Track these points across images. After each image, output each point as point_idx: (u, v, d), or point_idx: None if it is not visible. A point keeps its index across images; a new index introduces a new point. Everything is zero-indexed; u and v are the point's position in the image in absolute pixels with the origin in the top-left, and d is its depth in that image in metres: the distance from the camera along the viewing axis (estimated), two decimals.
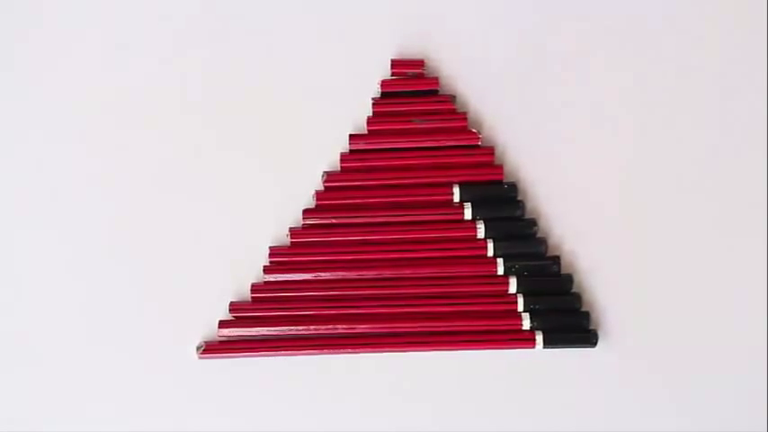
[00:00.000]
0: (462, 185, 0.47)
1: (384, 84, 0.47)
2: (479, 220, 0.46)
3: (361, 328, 0.46)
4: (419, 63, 0.47)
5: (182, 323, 0.47)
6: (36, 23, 0.49)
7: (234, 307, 0.47)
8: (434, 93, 0.47)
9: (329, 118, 0.48)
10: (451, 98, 0.47)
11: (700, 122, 0.47)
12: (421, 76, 0.47)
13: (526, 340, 0.45)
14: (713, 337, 0.46)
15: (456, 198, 0.47)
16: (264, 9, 0.49)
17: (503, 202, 0.47)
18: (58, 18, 0.49)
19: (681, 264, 0.47)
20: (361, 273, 0.46)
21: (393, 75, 0.47)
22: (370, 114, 0.47)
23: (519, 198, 0.47)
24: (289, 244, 0.47)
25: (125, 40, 0.49)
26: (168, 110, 0.48)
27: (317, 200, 0.47)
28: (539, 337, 0.45)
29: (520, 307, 0.46)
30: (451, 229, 0.46)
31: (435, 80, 0.47)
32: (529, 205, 0.47)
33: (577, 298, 0.46)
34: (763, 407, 0.46)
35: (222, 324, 0.46)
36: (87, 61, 0.49)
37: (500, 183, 0.47)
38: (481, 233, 0.46)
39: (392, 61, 0.47)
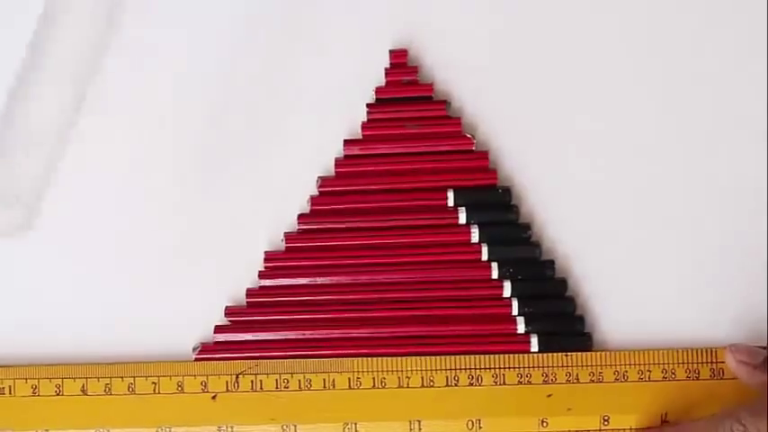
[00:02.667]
0: (457, 190, 0.47)
1: (378, 91, 0.48)
2: (474, 224, 0.47)
3: (357, 332, 0.46)
4: (413, 70, 0.47)
5: (178, 327, 0.47)
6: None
7: (229, 311, 0.47)
8: (429, 99, 0.47)
9: (324, 123, 0.48)
10: (446, 104, 0.47)
11: (699, 129, 0.47)
12: (415, 83, 0.47)
13: (520, 343, 0.45)
14: (711, 340, 0.46)
15: (450, 202, 0.47)
16: (264, 9, 0.49)
17: (497, 207, 0.47)
18: None
19: (677, 268, 0.47)
20: (356, 277, 0.47)
21: (388, 83, 0.48)
22: (365, 120, 0.47)
23: (513, 202, 0.47)
24: (284, 249, 0.47)
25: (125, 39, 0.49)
26: (168, 110, 0.49)
27: (312, 205, 0.47)
28: (533, 341, 0.45)
29: (514, 311, 0.46)
30: (446, 233, 0.47)
31: (430, 86, 0.47)
32: (523, 209, 0.47)
33: (572, 302, 0.46)
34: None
35: (218, 329, 0.47)
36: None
37: (494, 187, 0.47)
38: (475, 237, 0.46)
39: (386, 70, 0.48)
